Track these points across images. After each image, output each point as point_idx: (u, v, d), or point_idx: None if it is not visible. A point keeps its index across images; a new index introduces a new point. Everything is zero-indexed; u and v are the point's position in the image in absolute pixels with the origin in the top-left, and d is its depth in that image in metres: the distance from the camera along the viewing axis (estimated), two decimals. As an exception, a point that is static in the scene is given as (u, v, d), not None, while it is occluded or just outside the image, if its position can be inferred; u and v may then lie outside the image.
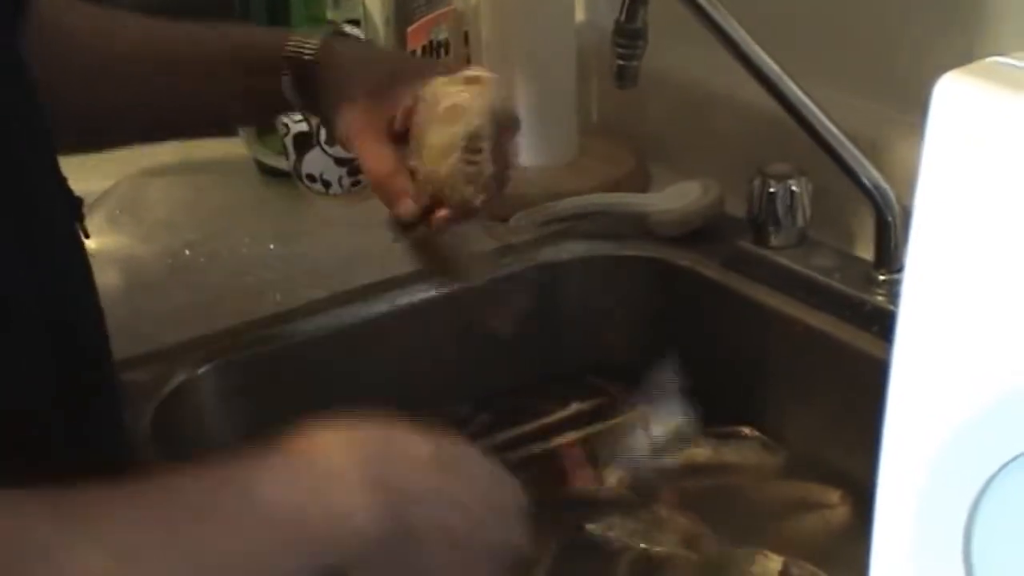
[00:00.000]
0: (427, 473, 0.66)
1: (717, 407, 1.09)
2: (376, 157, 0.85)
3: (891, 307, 0.99)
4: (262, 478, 0.61)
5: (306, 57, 0.87)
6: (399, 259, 0.98)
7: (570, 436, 1.05)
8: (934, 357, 0.49)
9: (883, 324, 0.99)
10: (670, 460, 1.05)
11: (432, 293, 1.10)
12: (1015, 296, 0.44)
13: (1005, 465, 0.46)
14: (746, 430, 1.06)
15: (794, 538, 0.95)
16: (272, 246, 1.14)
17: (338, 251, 1.14)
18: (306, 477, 0.62)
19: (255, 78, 0.88)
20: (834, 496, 0.96)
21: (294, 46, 0.87)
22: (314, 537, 0.61)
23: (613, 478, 1.04)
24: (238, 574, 0.59)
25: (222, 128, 0.92)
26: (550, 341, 1.18)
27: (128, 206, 1.16)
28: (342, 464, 0.63)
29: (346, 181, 1.31)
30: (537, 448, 1.04)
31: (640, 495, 1.02)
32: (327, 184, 1.30)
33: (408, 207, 0.85)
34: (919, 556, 0.50)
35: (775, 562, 0.90)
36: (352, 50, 0.91)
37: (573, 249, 1.19)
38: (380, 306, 1.09)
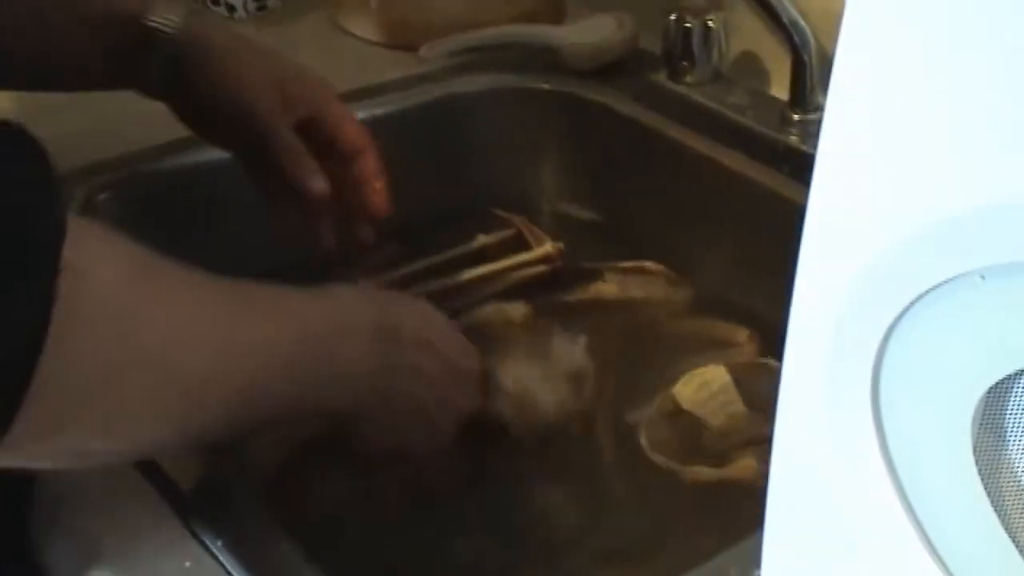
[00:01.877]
0: (418, 340, 0.77)
1: (625, 243, 1.09)
2: (290, 134, 0.86)
3: (804, 147, 0.99)
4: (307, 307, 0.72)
5: (168, 31, 0.84)
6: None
7: (477, 270, 1.04)
8: (850, 192, 0.48)
9: (796, 164, 0.99)
10: (577, 295, 1.04)
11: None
12: (934, 135, 0.43)
13: (913, 302, 0.46)
14: (653, 265, 1.05)
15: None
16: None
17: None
18: (333, 317, 0.73)
19: (117, 43, 0.85)
20: (741, 335, 0.97)
21: (158, 19, 0.84)
22: (329, 370, 0.71)
23: (519, 312, 1.03)
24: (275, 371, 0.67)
25: (98, 85, 0.88)
26: (457, 174, 1.16)
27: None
28: (360, 316, 0.75)
29: (251, 5, 1.27)
30: (442, 282, 1.03)
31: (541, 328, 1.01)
32: (231, 8, 1.26)
33: (321, 183, 0.86)
34: (827, 394, 0.50)
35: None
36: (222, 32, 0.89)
37: (482, 81, 1.17)
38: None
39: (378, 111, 1.12)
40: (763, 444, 0.82)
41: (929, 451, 0.46)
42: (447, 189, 1.15)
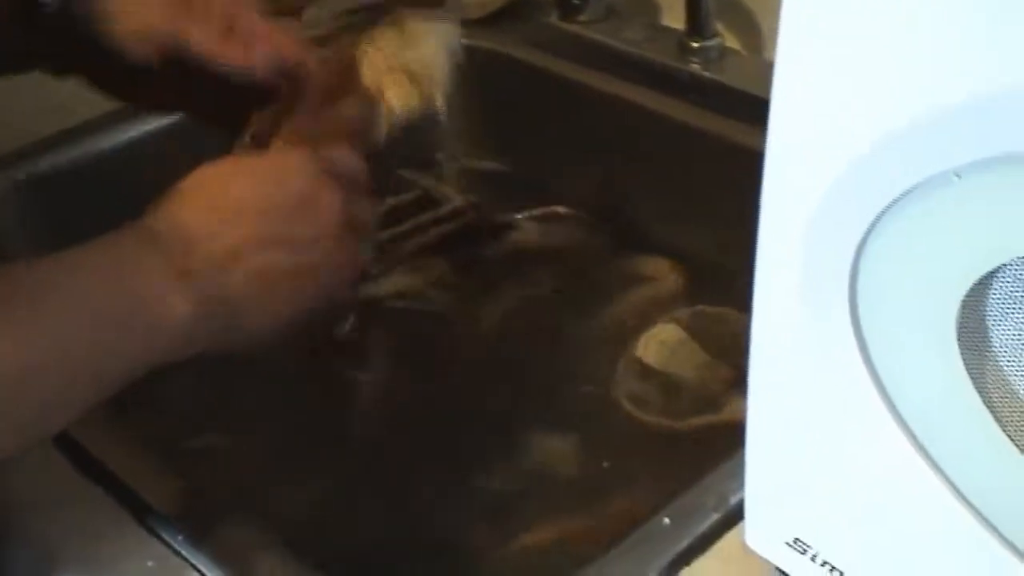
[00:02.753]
0: (238, 228, 0.67)
1: (536, 190, 1.08)
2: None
3: (708, 74, 0.99)
4: (81, 278, 0.62)
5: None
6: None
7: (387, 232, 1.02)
8: (812, 105, 0.47)
9: (701, 92, 0.98)
10: (495, 248, 1.03)
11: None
12: (893, 36, 0.42)
13: (886, 209, 0.45)
14: (566, 210, 1.04)
15: (629, 310, 0.95)
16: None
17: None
18: (115, 275, 0.63)
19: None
20: (664, 267, 0.96)
21: None
22: (133, 331, 0.62)
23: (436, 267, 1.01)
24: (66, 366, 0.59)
25: None
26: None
27: None
28: (150, 259, 0.64)
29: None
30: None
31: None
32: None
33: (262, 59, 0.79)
34: (804, 313, 0.49)
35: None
36: None
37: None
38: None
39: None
40: (742, 384, 0.84)
41: (914, 356, 0.46)
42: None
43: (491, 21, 1.11)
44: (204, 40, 0.77)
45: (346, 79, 0.83)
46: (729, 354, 0.87)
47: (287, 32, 0.81)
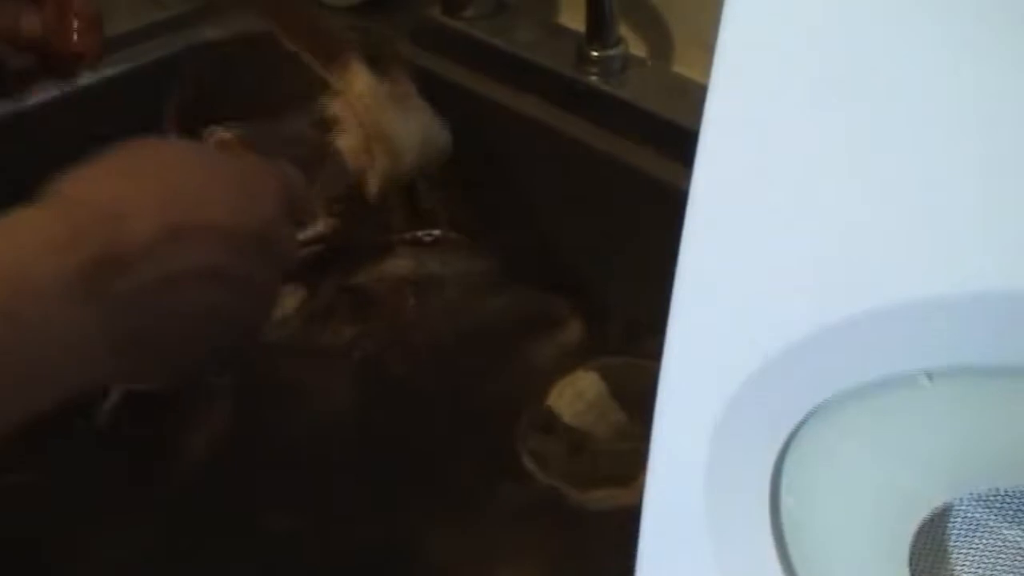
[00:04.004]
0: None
1: (407, 206, 0.95)
2: None
3: (606, 88, 0.86)
4: None
5: None
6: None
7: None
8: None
9: (597, 107, 0.86)
10: (362, 273, 0.90)
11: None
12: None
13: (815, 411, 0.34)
14: (446, 234, 0.92)
15: (531, 362, 0.83)
16: None
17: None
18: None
19: None
20: (563, 309, 0.85)
21: None
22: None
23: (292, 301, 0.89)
24: None
25: None
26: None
27: None
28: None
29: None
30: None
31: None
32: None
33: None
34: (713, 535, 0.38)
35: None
36: None
37: (232, 25, 1.00)
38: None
39: (109, 71, 0.95)
40: None
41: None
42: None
43: (365, 11, 0.97)
44: None
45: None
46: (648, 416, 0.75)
47: None
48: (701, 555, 0.38)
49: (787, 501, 0.35)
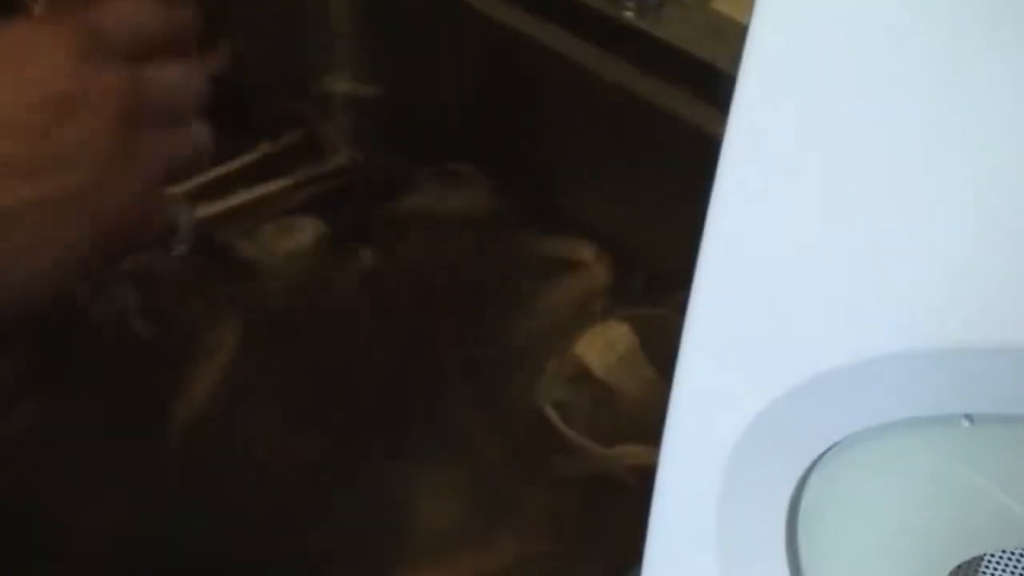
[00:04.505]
0: None
1: (430, 144, 0.93)
2: None
3: (641, 25, 0.83)
4: None
5: None
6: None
7: (248, 194, 0.86)
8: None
9: (632, 46, 0.83)
10: (383, 207, 0.88)
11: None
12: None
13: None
14: (469, 169, 0.89)
15: (553, 306, 0.80)
16: None
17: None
18: None
19: None
20: (587, 252, 0.82)
21: None
22: None
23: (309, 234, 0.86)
24: None
25: None
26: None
27: None
28: None
29: None
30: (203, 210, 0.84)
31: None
32: None
33: None
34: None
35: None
36: None
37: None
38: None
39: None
40: None
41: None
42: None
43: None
44: None
45: None
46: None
47: None
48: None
49: (804, 532, 0.32)
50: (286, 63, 0.99)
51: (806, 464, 0.32)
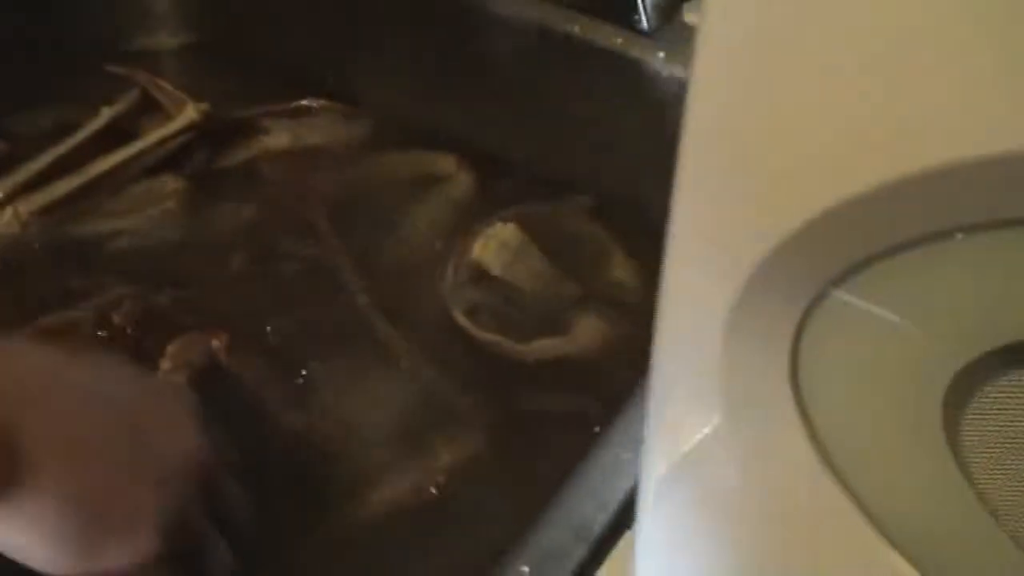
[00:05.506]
0: None
1: (273, 77, 0.93)
2: None
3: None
4: None
5: None
6: None
7: (109, 159, 0.84)
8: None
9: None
10: (239, 153, 0.88)
11: None
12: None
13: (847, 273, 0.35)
14: (318, 102, 0.90)
15: (430, 218, 0.82)
16: None
17: None
18: None
19: None
20: (449, 163, 0.84)
21: None
22: None
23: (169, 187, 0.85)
24: None
25: None
26: (45, 28, 0.95)
27: None
28: None
29: None
30: (67, 184, 0.83)
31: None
32: None
33: None
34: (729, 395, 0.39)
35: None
36: None
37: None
38: None
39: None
40: (588, 303, 0.73)
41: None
42: (37, 50, 0.93)
43: None
44: None
45: None
46: (571, 265, 0.76)
47: None
48: (714, 402, 0.39)
49: (808, 361, 0.36)
50: (99, 26, 0.97)
51: (806, 302, 0.35)
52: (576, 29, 0.79)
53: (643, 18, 0.77)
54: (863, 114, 0.32)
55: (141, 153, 0.85)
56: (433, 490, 0.66)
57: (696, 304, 0.38)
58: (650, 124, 0.79)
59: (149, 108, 0.90)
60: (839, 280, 0.35)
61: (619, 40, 0.78)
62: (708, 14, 0.34)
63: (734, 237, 0.36)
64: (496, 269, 0.75)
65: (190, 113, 0.86)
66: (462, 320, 0.73)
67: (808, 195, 0.34)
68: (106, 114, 0.88)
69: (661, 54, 0.77)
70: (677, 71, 0.76)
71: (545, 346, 0.72)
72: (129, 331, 0.74)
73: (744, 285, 0.36)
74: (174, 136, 0.86)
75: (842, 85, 0.32)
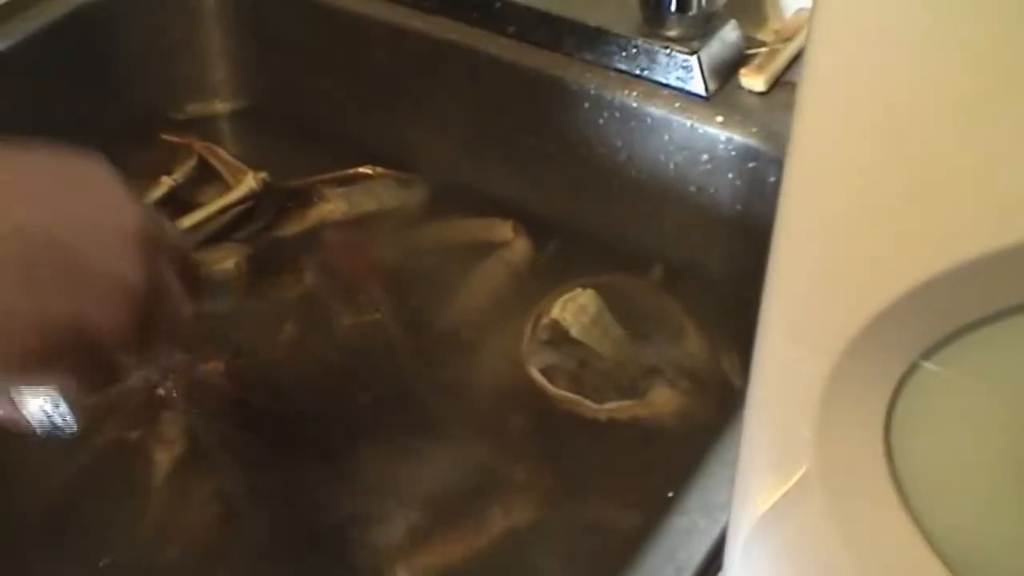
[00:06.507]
0: None
1: (330, 146, 0.94)
2: None
3: (523, 2, 0.85)
4: None
5: None
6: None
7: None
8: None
9: (518, 24, 0.85)
10: (298, 222, 0.89)
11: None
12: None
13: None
14: (374, 169, 0.91)
15: (484, 285, 0.83)
16: None
17: None
18: None
19: None
20: (505, 229, 0.85)
21: None
22: None
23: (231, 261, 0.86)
24: None
25: None
26: (112, 98, 0.96)
27: None
28: None
29: None
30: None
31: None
32: None
33: None
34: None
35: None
36: None
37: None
38: None
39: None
40: (661, 372, 0.74)
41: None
42: (96, 123, 0.94)
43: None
44: None
45: None
46: (645, 333, 0.77)
47: None
48: (805, 467, 0.39)
49: (899, 426, 0.36)
50: (156, 94, 0.98)
51: (901, 371, 0.35)
52: (634, 94, 0.80)
53: (701, 83, 0.78)
54: (958, 191, 0.32)
55: (203, 222, 0.86)
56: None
57: (791, 373, 0.38)
58: (707, 189, 0.79)
59: (207, 176, 0.91)
60: (929, 352, 0.35)
61: (676, 104, 0.79)
62: (804, 93, 0.34)
63: (831, 310, 0.36)
64: (574, 331, 0.76)
65: (250, 182, 0.87)
66: (538, 377, 0.74)
67: (901, 271, 0.34)
68: (166, 183, 0.89)
69: (720, 118, 0.77)
70: (736, 135, 0.77)
71: (619, 407, 0.72)
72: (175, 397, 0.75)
73: (840, 356, 0.37)
74: (234, 204, 0.87)
75: (938, 162, 0.33)
